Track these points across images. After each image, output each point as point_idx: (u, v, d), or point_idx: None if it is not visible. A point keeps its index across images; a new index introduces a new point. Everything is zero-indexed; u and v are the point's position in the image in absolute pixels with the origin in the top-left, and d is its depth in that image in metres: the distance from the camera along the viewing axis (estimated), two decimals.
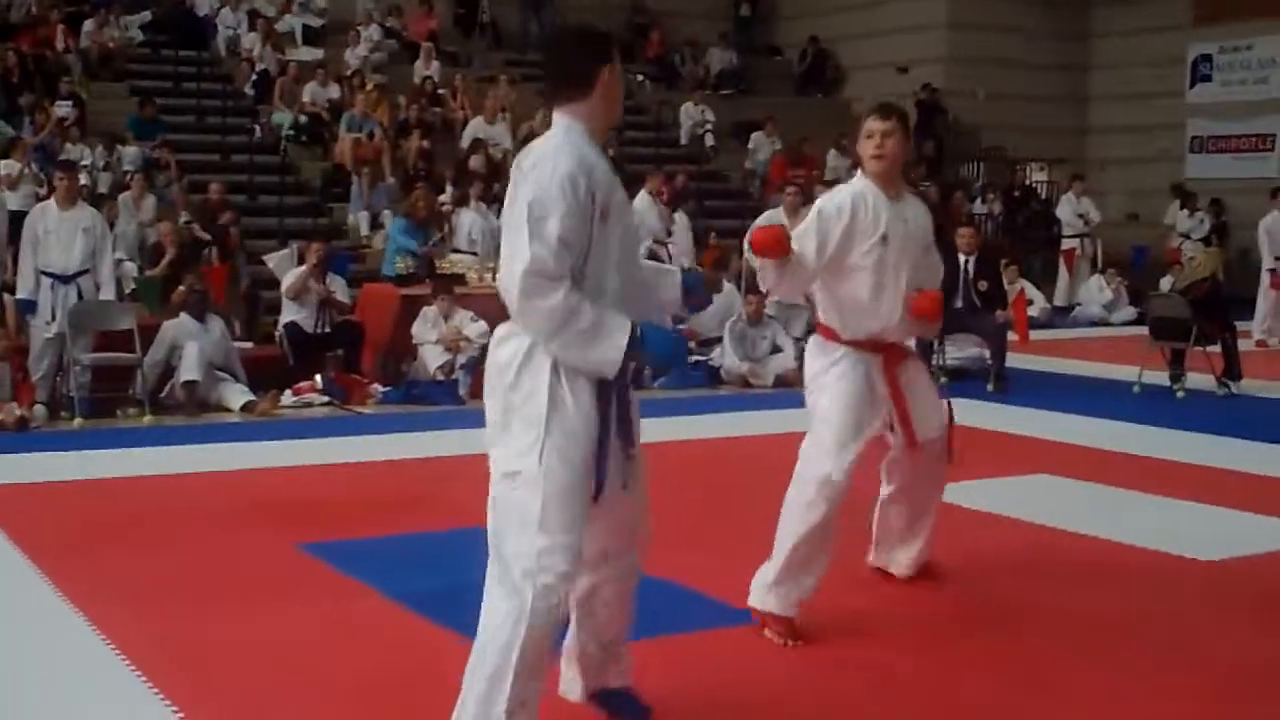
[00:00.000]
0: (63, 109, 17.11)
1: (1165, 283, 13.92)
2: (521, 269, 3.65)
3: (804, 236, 5.40)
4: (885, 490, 5.94)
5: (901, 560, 6.05)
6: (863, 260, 5.37)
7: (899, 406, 5.56)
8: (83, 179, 15.14)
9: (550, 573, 3.70)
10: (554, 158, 3.72)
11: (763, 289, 5.72)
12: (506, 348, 3.83)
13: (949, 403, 5.80)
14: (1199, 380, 12.19)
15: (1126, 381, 12.38)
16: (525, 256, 3.64)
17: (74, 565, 6.33)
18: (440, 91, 20.19)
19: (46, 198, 11.87)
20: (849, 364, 5.40)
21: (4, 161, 14.31)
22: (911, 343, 5.89)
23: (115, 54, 19.54)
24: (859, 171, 5.62)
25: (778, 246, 5.27)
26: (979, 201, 21.72)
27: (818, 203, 5.56)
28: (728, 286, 14.48)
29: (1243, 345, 12.80)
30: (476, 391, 11.32)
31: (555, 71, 3.99)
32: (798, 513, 5.30)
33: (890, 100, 6.01)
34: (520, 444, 3.75)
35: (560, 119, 3.88)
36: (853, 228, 5.36)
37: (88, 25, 19.45)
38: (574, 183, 3.67)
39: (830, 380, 5.42)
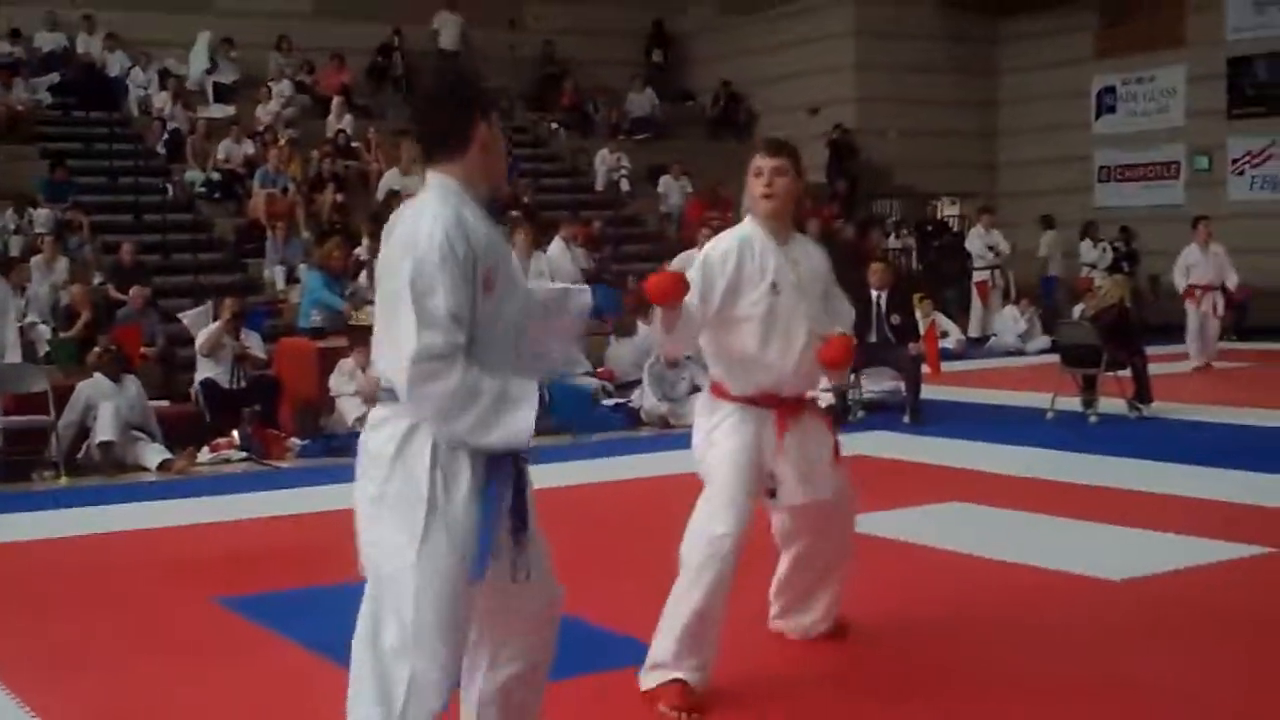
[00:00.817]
0: None
1: (1076, 311, 14.11)
2: (410, 355, 3.29)
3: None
4: (783, 558, 5.56)
5: (802, 624, 5.67)
6: (751, 310, 5.02)
7: (782, 459, 5.13)
8: None
9: (422, 704, 3.42)
10: (430, 222, 3.36)
11: (657, 340, 5.20)
12: (381, 433, 3.48)
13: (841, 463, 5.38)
14: (1111, 405, 12.35)
15: (1040, 409, 12.50)
16: (411, 341, 3.29)
17: None
18: (354, 144, 20.20)
19: None
20: (736, 419, 5.06)
21: None
22: (822, 388, 5.79)
23: (24, 116, 19.43)
24: (745, 215, 5.25)
25: (674, 291, 4.79)
26: (893, 237, 21.96)
27: (703, 250, 5.21)
28: (644, 328, 14.58)
29: (1178, 368, 12.96)
30: None
31: (428, 128, 3.59)
32: (690, 577, 4.97)
33: (779, 136, 5.66)
34: (395, 540, 3.40)
35: (435, 178, 3.53)
36: (739, 277, 5.02)
37: None
38: (453, 248, 3.33)
39: (718, 437, 5.07)
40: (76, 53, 21.24)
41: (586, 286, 4.07)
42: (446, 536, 3.38)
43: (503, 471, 3.48)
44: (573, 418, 3.54)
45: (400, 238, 3.41)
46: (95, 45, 21.33)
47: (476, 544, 3.41)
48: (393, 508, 3.42)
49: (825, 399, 12.91)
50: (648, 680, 5.02)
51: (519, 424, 3.37)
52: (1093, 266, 20.96)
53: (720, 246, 5.11)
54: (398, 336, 3.33)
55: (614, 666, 5.34)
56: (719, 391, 5.17)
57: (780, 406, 5.11)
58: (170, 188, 18.68)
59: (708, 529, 4.98)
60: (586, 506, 8.65)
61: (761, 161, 5.15)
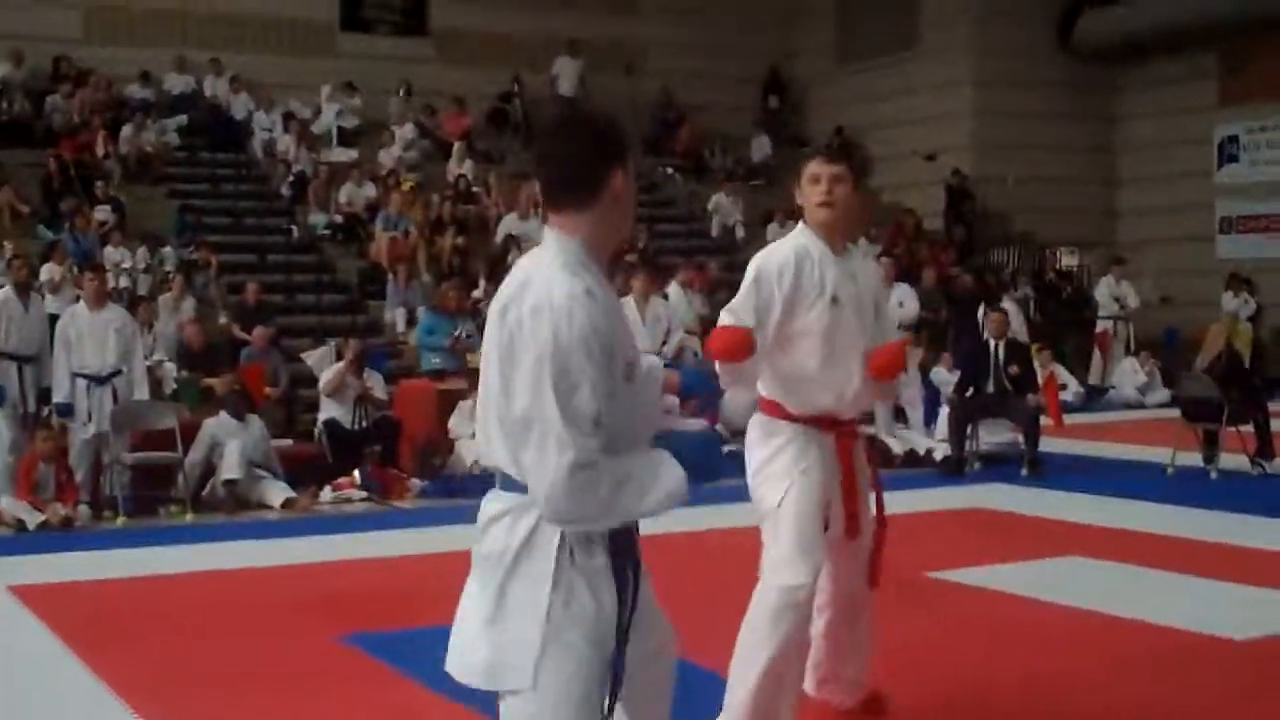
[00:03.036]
0: (102, 213, 17.43)
1: (1197, 363, 13.92)
2: (567, 464, 2.89)
3: (741, 307, 4.70)
4: (819, 616, 5.03)
5: (850, 676, 5.22)
6: (811, 326, 4.67)
7: (848, 490, 4.80)
8: (124, 280, 15.50)
9: None
10: (567, 301, 2.93)
11: (722, 384, 4.69)
12: (500, 530, 3.10)
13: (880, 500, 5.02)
14: (1233, 461, 12.16)
15: (1160, 463, 12.36)
16: (566, 447, 2.89)
17: (118, 660, 6.41)
18: (474, 189, 20.47)
19: None
20: (799, 448, 4.70)
21: (45, 266, 14.54)
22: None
23: (153, 158, 19.91)
24: (799, 223, 4.90)
25: (740, 351, 4.54)
26: (1012, 287, 21.77)
27: (754, 262, 4.81)
28: None
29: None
30: None
31: (555, 170, 3.13)
32: (762, 630, 4.61)
33: (836, 143, 5.46)
34: (518, 647, 3.04)
35: (554, 235, 3.10)
36: (796, 290, 4.67)
37: (126, 130, 19.82)
38: (597, 336, 2.94)
39: (778, 470, 4.69)
40: (204, 95, 21.74)
41: (659, 367, 3.54)
42: (579, 638, 3.04)
43: (628, 555, 3.14)
44: (701, 466, 3.17)
45: (531, 311, 2.96)
46: (222, 88, 21.81)
47: (612, 648, 3.08)
48: (515, 606, 3.06)
49: (940, 449, 12.92)
50: None
51: (670, 485, 3.04)
52: (1235, 316, 20.59)
53: (775, 258, 4.75)
54: (538, 437, 2.93)
55: None
56: (775, 410, 4.79)
57: (840, 430, 4.80)
58: (294, 229, 19.05)
59: (779, 579, 4.64)
60: (701, 551, 8.68)
61: (819, 168, 4.77)
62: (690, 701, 4.77)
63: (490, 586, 3.08)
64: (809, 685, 5.08)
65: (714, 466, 3.20)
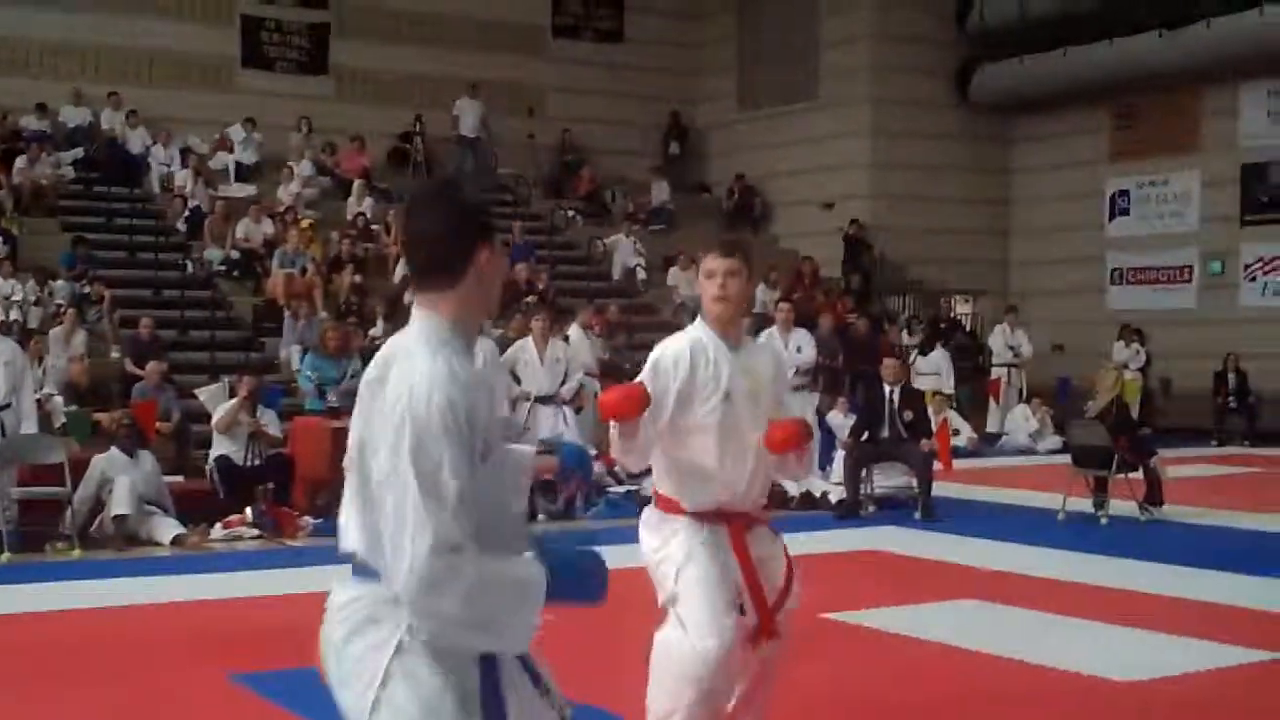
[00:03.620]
0: None
1: (1088, 409, 14.16)
2: (425, 550, 2.75)
3: None
4: (739, 689, 4.92)
5: None
6: (705, 421, 4.68)
7: (751, 582, 4.74)
8: (14, 313, 15.23)
9: None
10: (425, 383, 2.85)
11: (613, 455, 4.82)
12: (365, 638, 2.92)
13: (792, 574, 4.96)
14: (1123, 507, 12.35)
15: (1051, 509, 12.51)
16: (425, 524, 2.76)
17: (5, 697, 6.30)
18: (373, 227, 20.38)
19: None
20: (688, 536, 4.69)
21: None
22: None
23: (48, 190, 19.66)
24: (698, 317, 4.92)
25: (631, 408, 4.53)
26: (905, 333, 22.05)
27: (653, 354, 4.83)
28: None
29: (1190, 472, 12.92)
30: None
31: (422, 251, 3.05)
32: (668, 702, 4.61)
33: (730, 239, 5.50)
34: None
35: (421, 314, 3.01)
36: (691, 384, 4.69)
37: (19, 162, 19.56)
38: (455, 412, 2.84)
39: (675, 552, 4.68)
40: (100, 129, 21.51)
41: (529, 449, 3.51)
42: None
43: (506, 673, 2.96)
44: (581, 594, 3.04)
45: (392, 391, 2.88)
46: (119, 121, 21.60)
47: None
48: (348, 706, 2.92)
49: (835, 492, 13.01)
50: None
51: (529, 618, 2.89)
52: (1125, 366, 20.98)
53: (670, 351, 4.78)
54: (398, 527, 2.79)
55: None
56: (669, 506, 4.80)
57: (734, 522, 4.76)
58: (190, 265, 18.88)
59: (689, 644, 4.57)
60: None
61: (714, 263, 4.80)
62: None
63: (333, 675, 2.97)
64: None
65: (593, 591, 3.05)
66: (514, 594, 2.85)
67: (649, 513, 4.86)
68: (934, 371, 19.17)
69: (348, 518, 2.98)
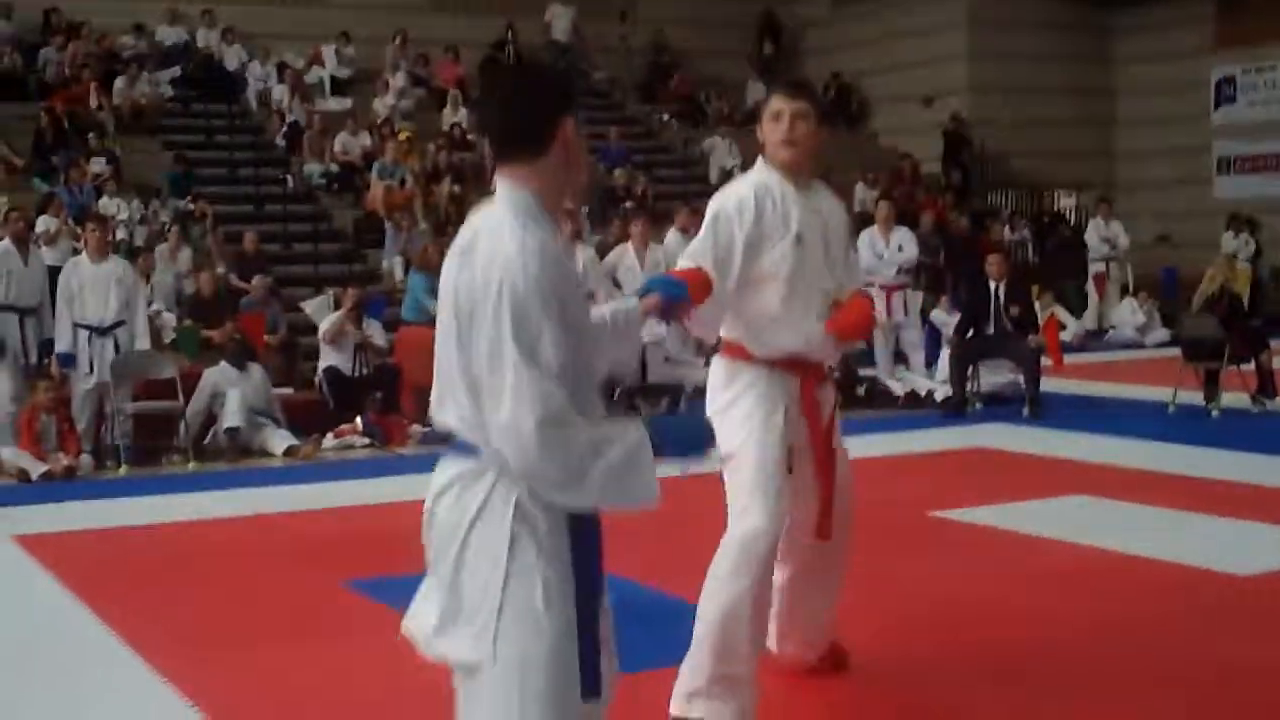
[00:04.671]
0: (97, 165, 17.38)
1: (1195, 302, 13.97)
2: (535, 420, 2.78)
3: (699, 252, 4.43)
4: (780, 569, 4.70)
5: (809, 634, 4.97)
6: (775, 267, 4.42)
7: (816, 437, 4.56)
8: (120, 233, 15.47)
9: None
10: (519, 252, 2.86)
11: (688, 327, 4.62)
12: (450, 500, 2.97)
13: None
14: (1234, 399, 12.24)
15: (1161, 402, 12.41)
16: (534, 401, 2.78)
17: (126, 608, 6.47)
18: (469, 137, 20.41)
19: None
20: (761, 390, 4.46)
21: (41, 218, 14.52)
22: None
23: (147, 110, 19.83)
24: (760, 160, 4.63)
25: (695, 293, 4.15)
26: (1009, 228, 21.80)
27: (712, 203, 4.54)
28: None
29: None
30: None
31: (503, 122, 3.06)
32: (723, 579, 4.41)
33: (798, 79, 5.17)
34: (472, 627, 2.92)
35: (507, 187, 3.00)
36: (759, 230, 4.42)
37: (119, 83, 19.75)
38: (550, 284, 2.86)
39: (739, 414, 4.44)
40: (197, 47, 21.64)
41: (633, 301, 3.64)
42: (536, 618, 2.88)
43: (591, 538, 3.00)
44: (688, 454, 3.05)
45: (485, 264, 2.89)
46: (214, 39, 21.72)
47: (573, 622, 2.92)
48: (467, 585, 2.94)
49: (941, 390, 12.94)
50: (676, 709, 4.46)
51: (650, 478, 2.92)
52: (1234, 256, 20.61)
53: (734, 196, 4.49)
54: (508, 394, 2.81)
55: None
56: (738, 353, 4.55)
57: (805, 372, 4.54)
58: (290, 179, 19.02)
59: (739, 528, 4.43)
60: (703, 494, 8.72)
61: (780, 104, 4.51)
62: (664, 630, 4.86)
63: (445, 561, 2.96)
64: (771, 640, 4.82)
65: (698, 451, 3.08)
66: (624, 457, 2.86)
67: (716, 363, 4.64)
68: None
69: (443, 393, 2.99)
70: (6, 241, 11.52)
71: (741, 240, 4.40)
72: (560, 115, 3.01)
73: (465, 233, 3.00)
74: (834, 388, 4.78)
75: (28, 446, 10.56)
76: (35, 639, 6.14)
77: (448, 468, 2.99)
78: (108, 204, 16.33)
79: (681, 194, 20.17)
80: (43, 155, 17.86)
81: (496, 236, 2.89)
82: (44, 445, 10.62)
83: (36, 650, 5.96)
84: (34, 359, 11.40)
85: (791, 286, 4.42)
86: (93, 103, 19.18)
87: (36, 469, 10.34)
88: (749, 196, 4.45)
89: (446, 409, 2.98)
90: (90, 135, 18.20)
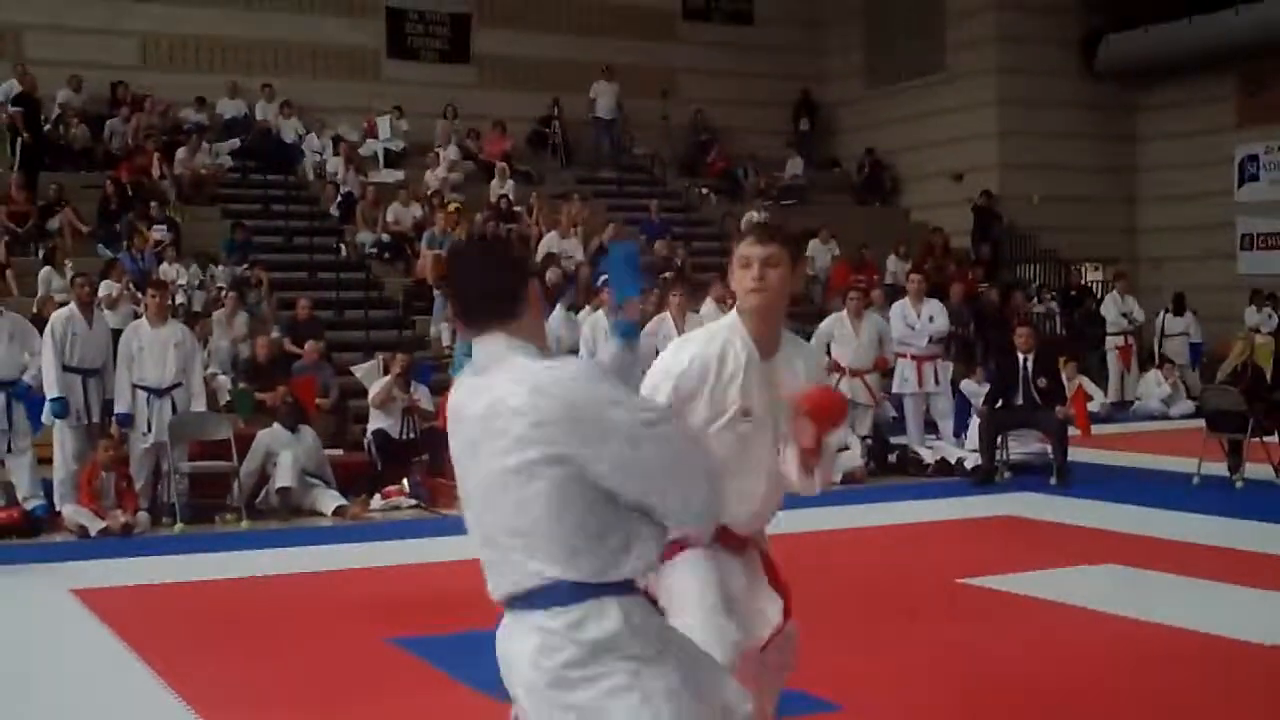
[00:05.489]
0: (159, 232, 17.84)
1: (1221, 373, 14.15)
2: (706, 489, 3.16)
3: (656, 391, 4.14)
4: None
5: None
6: (716, 436, 4.12)
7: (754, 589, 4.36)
8: (179, 297, 15.89)
9: None
10: (560, 365, 3.13)
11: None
12: (598, 686, 3.07)
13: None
14: (1258, 471, 12.35)
15: (1186, 473, 12.48)
16: (695, 468, 3.14)
17: (178, 662, 6.65)
18: (515, 208, 20.88)
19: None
20: (693, 561, 4.13)
21: (103, 283, 14.87)
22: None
23: (207, 179, 20.34)
24: (733, 312, 4.32)
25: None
26: (1036, 301, 22.06)
27: (672, 355, 4.25)
28: None
29: None
30: None
31: (481, 290, 3.20)
32: None
33: (769, 223, 4.73)
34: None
35: (503, 340, 3.16)
36: (712, 392, 4.16)
37: (181, 153, 20.27)
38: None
39: (672, 582, 4.07)
40: (255, 119, 22.22)
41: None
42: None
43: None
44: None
45: (550, 402, 3.01)
46: (273, 112, 22.30)
47: None
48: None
49: (970, 458, 13.20)
50: None
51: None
52: (1256, 330, 20.79)
53: (699, 355, 4.18)
54: (673, 480, 3.09)
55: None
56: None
57: (734, 546, 4.29)
58: (343, 248, 19.49)
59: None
60: None
61: (749, 250, 4.23)
62: None
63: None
64: None
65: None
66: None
67: None
68: (1183, 331, 19.79)
69: (511, 554, 3.08)
70: (72, 306, 11.75)
71: (705, 397, 4.15)
72: (529, 279, 3.24)
73: (472, 399, 3.13)
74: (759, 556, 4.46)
75: (87, 503, 10.75)
76: (90, 690, 6.29)
77: (535, 625, 3.07)
78: (168, 270, 16.74)
79: (719, 265, 20.49)
80: (107, 222, 18.37)
81: (520, 374, 3.07)
82: (103, 502, 10.81)
83: (91, 701, 6.09)
84: (96, 418, 11.53)
85: (734, 460, 4.06)
86: (155, 172, 19.72)
87: (95, 525, 10.52)
88: (712, 359, 4.18)
89: (518, 568, 3.08)
90: (152, 203, 18.66)
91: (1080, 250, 24.50)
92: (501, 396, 3.04)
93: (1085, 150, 25.09)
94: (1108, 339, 20.54)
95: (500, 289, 3.17)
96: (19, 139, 19.51)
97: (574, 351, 13.95)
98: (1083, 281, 24.07)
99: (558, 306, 15.30)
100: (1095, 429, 15.25)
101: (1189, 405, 18.14)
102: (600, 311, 13.49)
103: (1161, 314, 21.29)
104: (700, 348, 4.19)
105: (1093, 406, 16.94)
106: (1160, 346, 20.96)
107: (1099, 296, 22.96)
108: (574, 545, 3.02)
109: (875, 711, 5.53)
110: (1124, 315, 20.45)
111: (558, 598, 3.04)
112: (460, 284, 3.28)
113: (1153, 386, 19.62)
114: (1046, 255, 24.39)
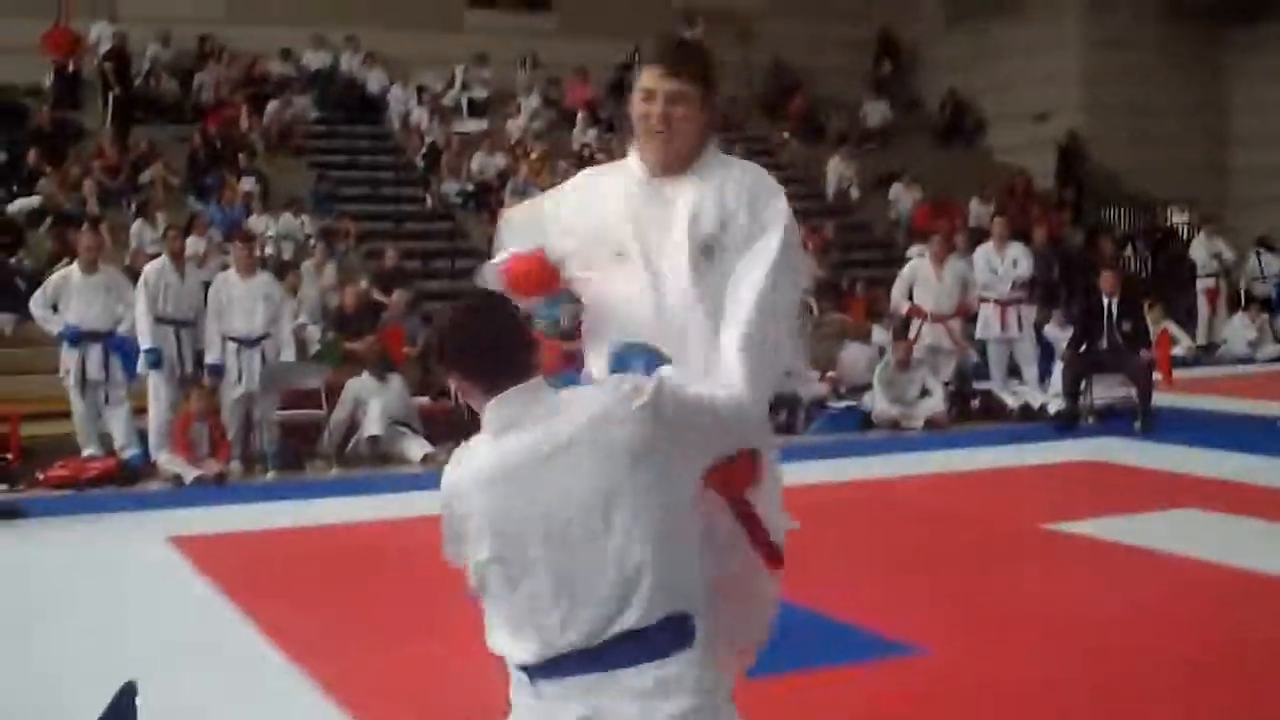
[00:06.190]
0: (247, 184, 18.13)
1: None
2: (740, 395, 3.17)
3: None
4: None
5: None
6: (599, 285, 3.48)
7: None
8: (268, 249, 16.16)
9: None
10: (616, 382, 2.98)
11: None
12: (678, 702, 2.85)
13: None
14: None
15: (1271, 416, 12.44)
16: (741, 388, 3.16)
17: (274, 608, 6.78)
18: (598, 156, 20.94)
19: None
20: None
21: (190, 239, 15.13)
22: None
23: (294, 131, 20.59)
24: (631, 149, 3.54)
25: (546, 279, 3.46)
26: (1128, 246, 21.84)
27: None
28: (877, 332, 15.01)
29: None
30: None
31: (494, 358, 2.97)
32: None
33: (683, 45, 3.94)
34: None
35: (520, 389, 2.96)
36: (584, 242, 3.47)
37: (272, 106, 20.54)
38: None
39: None
40: (340, 71, 22.40)
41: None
42: None
43: None
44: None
45: (611, 408, 2.87)
46: (357, 64, 22.46)
47: None
48: None
49: (1054, 404, 13.20)
50: None
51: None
52: None
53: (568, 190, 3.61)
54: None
55: (858, 659, 5.66)
56: None
57: None
58: (429, 198, 19.68)
59: None
60: (820, 506, 9.06)
61: (653, 81, 3.37)
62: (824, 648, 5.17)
63: None
64: None
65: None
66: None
67: None
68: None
69: (591, 600, 2.84)
70: (164, 258, 12.05)
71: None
72: (534, 345, 3.01)
73: (538, 439, 2.89)
74: None
75: (181, 452, 11.03)
76: (186, 635, 6.42)
77: (631, 681, 2.83)
78: (256, 221, 17.01)
79: (800, 211, 20.42)
80: (197, 175, 18.65)
81: (582, 405, 2.92)
82: (197, 451, 11.08)
83: (187, 646, 6.22)
84: (189, 369, 11.84)
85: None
86: (243, 125, 19.99)
87: (189, 474, 10.78)
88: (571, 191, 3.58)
89: (597, 617, 2.84)
90: (240, 155, 18.96)
91: (1166, 192, 24.19)
92: (577, 432, 2.88)
93: (1171, 89, 24.71)
94: (1198, 281, 20.32)
95: (511, 359, 2.95)
96: (111, 94, 19.84)
97: None
98: (1169, 223, 23.78)
99: None
100: (1180, 373, 15.18)
101: (1276, 349, 17.95)
102: None
103: (1254, 255, 20.98)
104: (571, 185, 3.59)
105: (1177, 350, 16.84)
106: (1248, 288, 20.70)
107: (1185, 239, 22.72)
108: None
109: (961, 656, 5.59)
110: (1214, 257, 20.20)
111: (644, 651, 2.86)
112: (470, 358, 3.00)
113: (1239, 329, 19.41)
114: (1132, 197, 24.11)
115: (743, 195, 3.36)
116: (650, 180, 3.41)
